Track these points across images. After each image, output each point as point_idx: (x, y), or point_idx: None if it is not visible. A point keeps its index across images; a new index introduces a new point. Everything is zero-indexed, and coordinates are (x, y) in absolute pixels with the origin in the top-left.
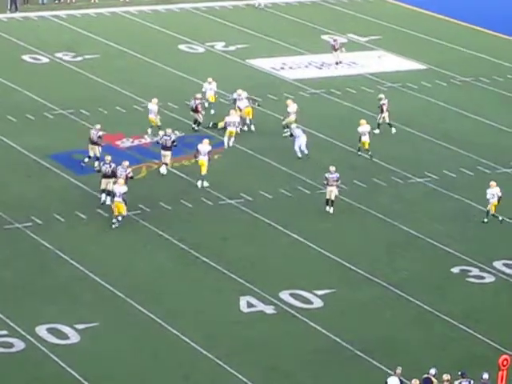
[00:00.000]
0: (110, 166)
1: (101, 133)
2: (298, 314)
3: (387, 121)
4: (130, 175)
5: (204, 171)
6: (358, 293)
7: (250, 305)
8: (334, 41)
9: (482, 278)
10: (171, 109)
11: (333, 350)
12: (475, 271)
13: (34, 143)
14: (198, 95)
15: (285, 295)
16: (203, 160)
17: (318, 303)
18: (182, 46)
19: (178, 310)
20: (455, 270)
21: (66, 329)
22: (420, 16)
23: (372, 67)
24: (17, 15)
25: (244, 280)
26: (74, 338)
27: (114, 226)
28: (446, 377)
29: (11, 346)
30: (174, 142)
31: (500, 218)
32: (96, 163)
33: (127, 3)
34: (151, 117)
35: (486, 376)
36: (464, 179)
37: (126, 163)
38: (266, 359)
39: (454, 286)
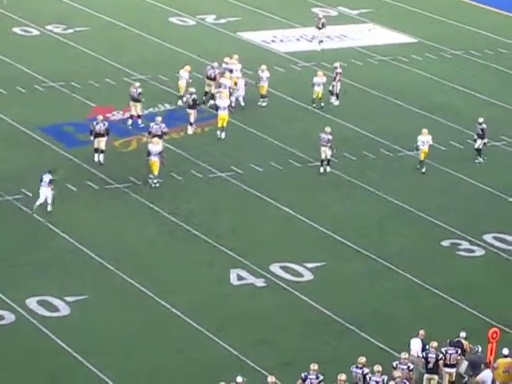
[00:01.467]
0: (104, 125)
1: (140, 89)
2: (288, 287)
3: (337, 91)
4: (164, 130)
5: (224, 124)
6: (348, 266)
7: (240, 277)
8: (319, 19)
9: (472, 251)
10: (162, 81)
11: (323, 322)
12: (465, 244)
13: (24, 115)
14: (215, 63)
15: (275, 268)
16: (223, 114)
17: (308, 276)
18: (172, 19)
19: (169, 282)
20: (445, 243)
21: (56, 301)
22: None
23: (362, 40)
24: None
25: (234, 253)
26: (64, 310)
27: (153, 186)
28: (433, 344)
29: (1, 318)
30: (195, 100)
31: (423, 170)
32: (139, 120)
33: None
34: (180, 83)
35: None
36: (454, 152)
37: (159, 118)
38: (256, 332)
39: (444, 259)
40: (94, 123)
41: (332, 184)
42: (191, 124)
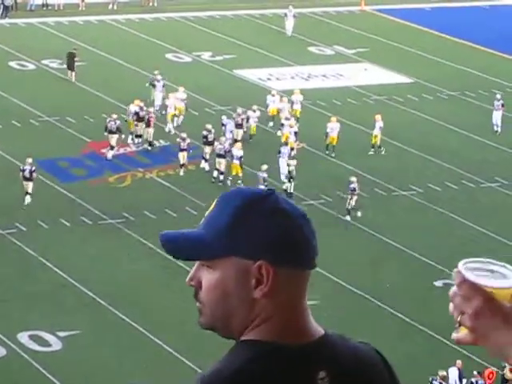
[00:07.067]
0: (115, 123)
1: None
2: None
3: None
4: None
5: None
6: (340, 305)
7: None
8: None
9: None
10: (158, 118)
11: None
12: None
13: (19, 150)
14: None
15: None
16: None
17: None
18: (168, 55)
19: (162, 319)
20: (438, 283)
21: (47, 336)
22: (407, 29)
23: (358, 80)
24: (5, 21)
25: None
26: (55, 345)
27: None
28: (442, 373)
29: None
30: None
31: (333, 154)
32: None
33: (115, 11)
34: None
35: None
36: (448, 193)
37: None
38: None
39: (437, 298)
40: (107, 120)
41: (325, 222)
42: (206, 160)
